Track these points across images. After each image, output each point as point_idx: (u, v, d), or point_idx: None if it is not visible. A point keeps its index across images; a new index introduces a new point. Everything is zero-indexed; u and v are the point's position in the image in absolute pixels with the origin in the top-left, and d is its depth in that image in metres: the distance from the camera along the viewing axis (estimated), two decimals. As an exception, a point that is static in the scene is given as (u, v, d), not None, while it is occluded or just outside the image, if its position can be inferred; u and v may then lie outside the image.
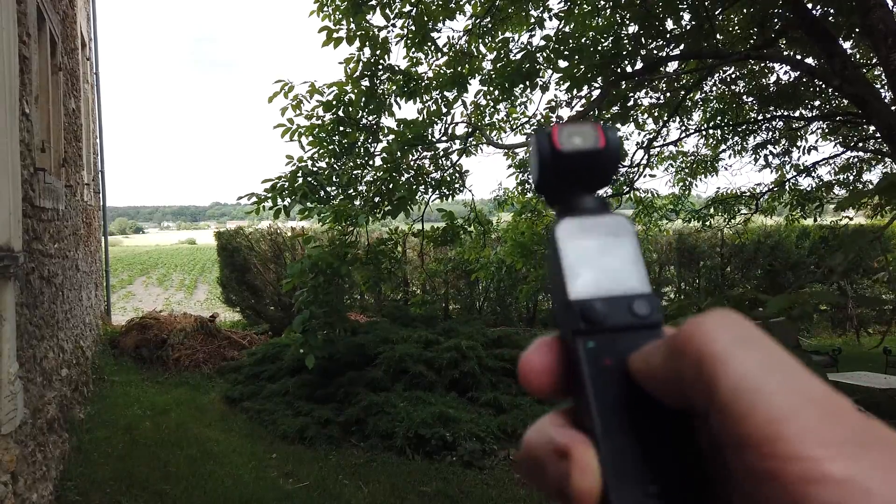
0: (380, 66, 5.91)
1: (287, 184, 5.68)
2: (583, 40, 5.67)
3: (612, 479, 0.26)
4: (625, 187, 7.61)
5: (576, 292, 0.29)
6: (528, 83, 5.88)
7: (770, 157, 8.80)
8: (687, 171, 9.33)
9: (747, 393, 0.23)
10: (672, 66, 6.36)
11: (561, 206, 0.32)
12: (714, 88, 8.09)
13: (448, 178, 6.69)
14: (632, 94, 6.42)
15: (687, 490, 0.26)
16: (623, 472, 0.26)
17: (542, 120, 7.19)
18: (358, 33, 5.69)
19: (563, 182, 0.32)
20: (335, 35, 5.63)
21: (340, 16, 5.70)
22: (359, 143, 6.10)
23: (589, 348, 0.28)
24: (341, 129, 5.93)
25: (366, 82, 5.88)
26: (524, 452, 0.29)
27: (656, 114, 7.56)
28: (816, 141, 8.63)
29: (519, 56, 5.89)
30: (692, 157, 9.32)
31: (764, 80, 7.71)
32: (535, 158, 0.32)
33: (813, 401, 0.23)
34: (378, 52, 5.85)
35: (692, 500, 0.26)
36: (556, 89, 6.22)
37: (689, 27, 5.44)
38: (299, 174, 5.77)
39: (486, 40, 6.62)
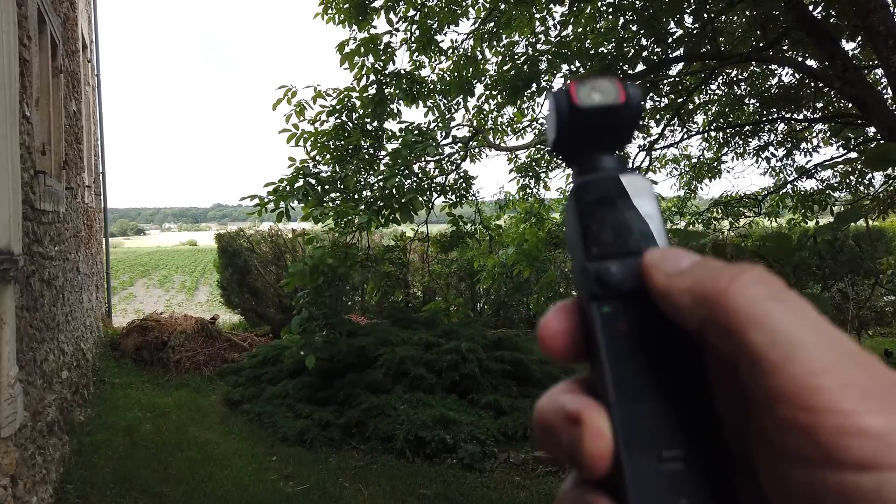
0: (385, 73, 5.92)
1: (288, 186, 5.68)
2: (586, 43, 5.66)
3: (625, 443, 0.26)
4: None
5: (591, 255, 0.28)
6: (535, 87, 5.87)
7: (773, 160, 8.78)
8: (691, 174, 9.32)
9: (783, 345, 0.23)
10: (674, 69, 6.35)
11: (579, 166, 0.31)
12: (716, 90, 8.08)
13: (453, 184, 6.70)
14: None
15: (709, 452, 0.26)
16: (636, 436, 0.26)
17: (545, 122, 7.17)
18: (361, 39, 5.70)
19: (582, 140, 0.30)
20: (346, 49, 5.65)
21: (343, 17, 5.71)
22: (363, 148, 6.10)
23: (604, 313, 0.27)
24: (345, 133, 5.93)
25: (373, 90, 5.88)
26: (536, 421, 0.28)
27: (658, 116, 7.54)
28: (818, 145, 8.61)
29: (522, 59, 5.88)
30: (696, 160, 9.30)
31: (766, 83, 7.70)
32: (552, 116, 0.31)
33: (850, 354, 0.23)
34: (383, 59, 5.86)
35: (714, 461, 0.26)
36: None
37: (691, 29, 5.44)
38: (300, 175, 5.77)
39: (491, 44, 6.61)
